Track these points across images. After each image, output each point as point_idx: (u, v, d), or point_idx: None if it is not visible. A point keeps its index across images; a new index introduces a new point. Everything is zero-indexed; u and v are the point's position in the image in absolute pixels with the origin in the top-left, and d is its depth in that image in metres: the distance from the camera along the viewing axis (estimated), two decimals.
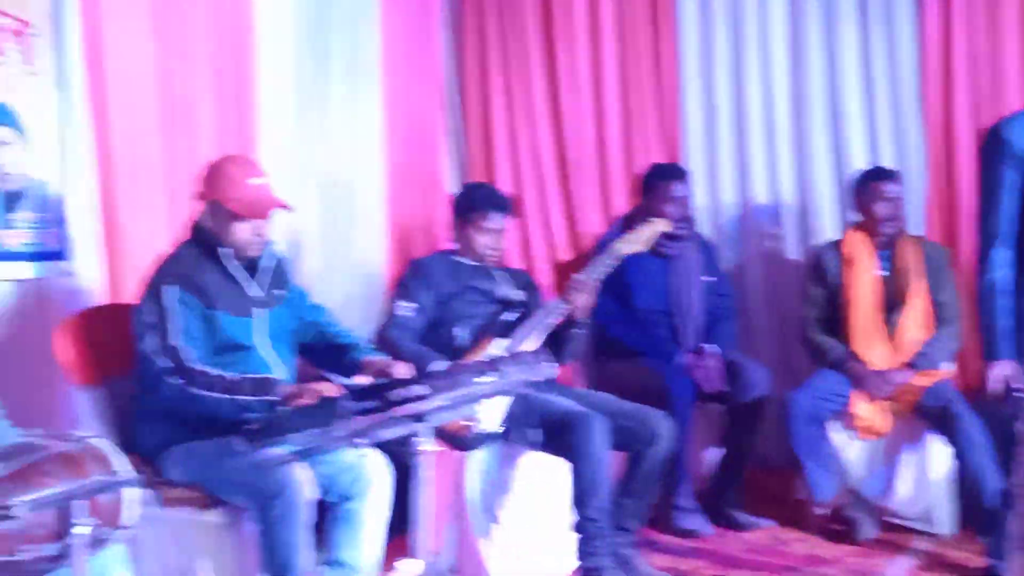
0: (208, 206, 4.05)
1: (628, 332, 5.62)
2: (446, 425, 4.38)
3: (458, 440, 4.57)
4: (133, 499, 2.98)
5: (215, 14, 5.23)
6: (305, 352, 4.36)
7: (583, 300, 4.85)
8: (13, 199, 4.43)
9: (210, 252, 4.05)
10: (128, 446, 3.09)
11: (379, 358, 4.16)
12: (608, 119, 6.70)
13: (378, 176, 6.23)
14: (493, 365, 3.81)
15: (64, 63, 4.58)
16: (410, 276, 5.05)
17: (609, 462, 4.64)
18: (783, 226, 6.53)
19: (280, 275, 4.25)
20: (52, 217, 4.55)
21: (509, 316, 4.94)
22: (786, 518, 5.62)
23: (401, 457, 4.27)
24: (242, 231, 4.01)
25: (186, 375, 3.82)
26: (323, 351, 4.34)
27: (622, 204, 6.56)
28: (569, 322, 4.90)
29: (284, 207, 4.13)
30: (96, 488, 2.84)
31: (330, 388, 3.75)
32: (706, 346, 5.65)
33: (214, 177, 4.06)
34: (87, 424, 4.13)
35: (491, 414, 4.57)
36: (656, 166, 6.05)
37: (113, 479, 2.89)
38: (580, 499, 4.59)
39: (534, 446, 4.68)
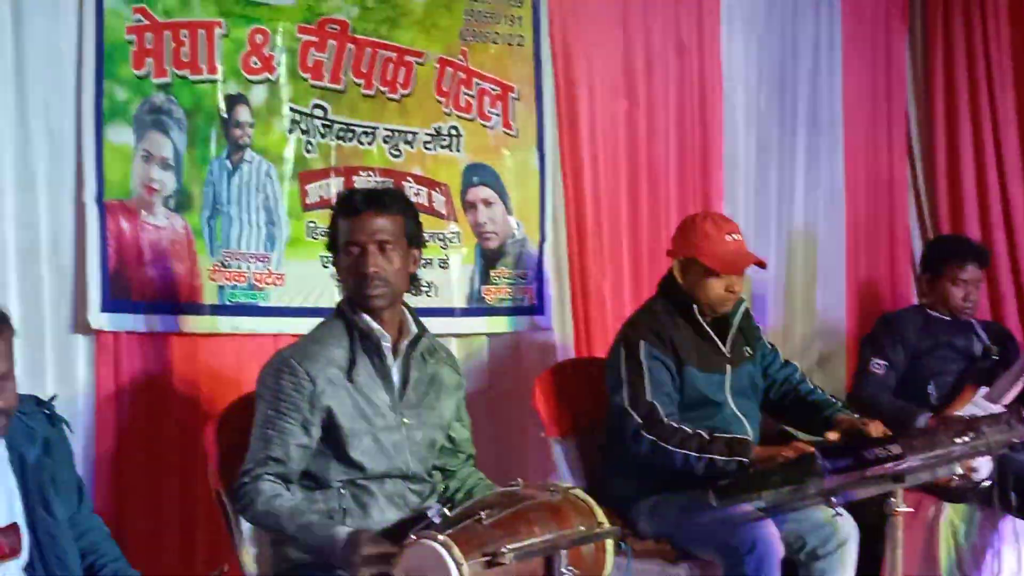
0: (681, 262, 4.09)
1: None
2: None
3: (945, 490, 4.40)
4: (610, 550, 3.02)
5: (684, 71, 5.34)
6: (770, 408, 4.32)
7: None
8: (494, 256, 4.66)
9: (681, 308, 4.07)
10: (598, 497, 3.13)
11: (851, 416, 4.07)
12: None
13: (839, 229, 6.13)
14: (971, 425, 3.67)
15: (542, 125, 4.78)
16: (881, 331, 4.92)
17: None
18: None
19: (749, 331, 4.24)
20: (530, 274, 4.75)
21: (984, 371, 4.72)
22: None
23: (867, 516, 4.17)
24: (716, 287, 4.02)
25: (661, 431, 3.85)
26: (791, 408, 4.28)
27: None
28: None
29: (760, 264, 4.13)
30: (580, 538, 2.90)
31: (803, 447, 3.69)
32: None
33: (689, 234, 4.09)
34: (559, 474, 4.25)
35: (981, 466, 4.37)
36: None
37: (596, 530, 2.94)
38: None
39: (1012, 510, 4.44)
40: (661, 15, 5.27)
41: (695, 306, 4.04)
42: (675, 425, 3.85)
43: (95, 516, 2.95)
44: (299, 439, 3.15)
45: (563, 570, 2.78)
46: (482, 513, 2.77)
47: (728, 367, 4.08)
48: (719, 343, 4.08)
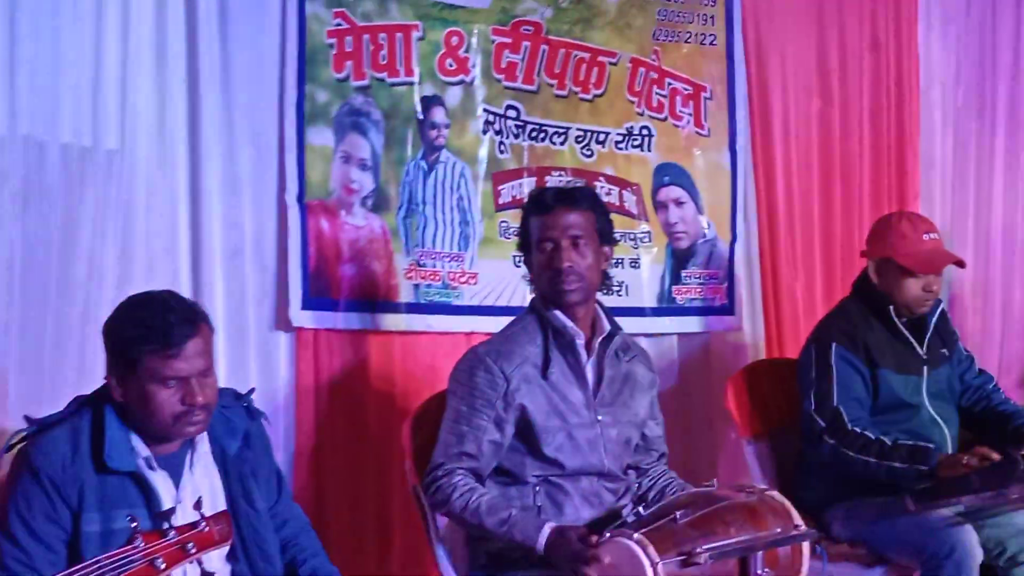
0: (877, 262, 4.02)
1: None
2: None
3: None
4: (806, 553, 2.99)
5: (880, 69, 5.26)
6: (961, 416, 4.20)
7: None
8: (685, 257, 4.65)
9: (877, 309, 4.00)
10: (791, 499, 3.10)
11: None
12: None
13: None
14: None
15: (734, 124, 4.76)
16: None
17: None
18: None
19: (946, 333, 4.14)
20: (720, 273, 4.73)
21: None
22: None
23: None
24: (913, 288, 3.94)
25: (842, 436, 3.80)
26: (980, 417, 4.17)
27: None
28: None
29: (959, 263, 4.05)
30: (776, 540, 2.88)
31: (987, 451, 3.60)
32: None
33: (885, 233, 4.02)
34: (751, 475, 4.21)
35: None
36: None
37: (792, 532, 2.92)
38: None
39: None
40: (856, 12, 5.20)
41: (891, 307, 3.98)
42: (858, 431, 3.78)
43: (295, 505, 3.01)
44: (492, 435, 3.19)
45: (759, 572, 2.78)
46: (677, 513, 2.78)
47: (925, 369, 4.00)
48: (915, 345, 4.00)
